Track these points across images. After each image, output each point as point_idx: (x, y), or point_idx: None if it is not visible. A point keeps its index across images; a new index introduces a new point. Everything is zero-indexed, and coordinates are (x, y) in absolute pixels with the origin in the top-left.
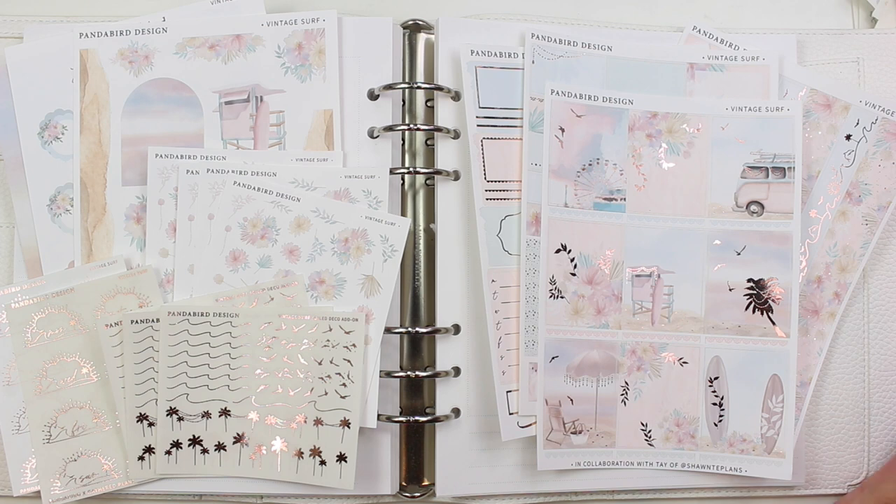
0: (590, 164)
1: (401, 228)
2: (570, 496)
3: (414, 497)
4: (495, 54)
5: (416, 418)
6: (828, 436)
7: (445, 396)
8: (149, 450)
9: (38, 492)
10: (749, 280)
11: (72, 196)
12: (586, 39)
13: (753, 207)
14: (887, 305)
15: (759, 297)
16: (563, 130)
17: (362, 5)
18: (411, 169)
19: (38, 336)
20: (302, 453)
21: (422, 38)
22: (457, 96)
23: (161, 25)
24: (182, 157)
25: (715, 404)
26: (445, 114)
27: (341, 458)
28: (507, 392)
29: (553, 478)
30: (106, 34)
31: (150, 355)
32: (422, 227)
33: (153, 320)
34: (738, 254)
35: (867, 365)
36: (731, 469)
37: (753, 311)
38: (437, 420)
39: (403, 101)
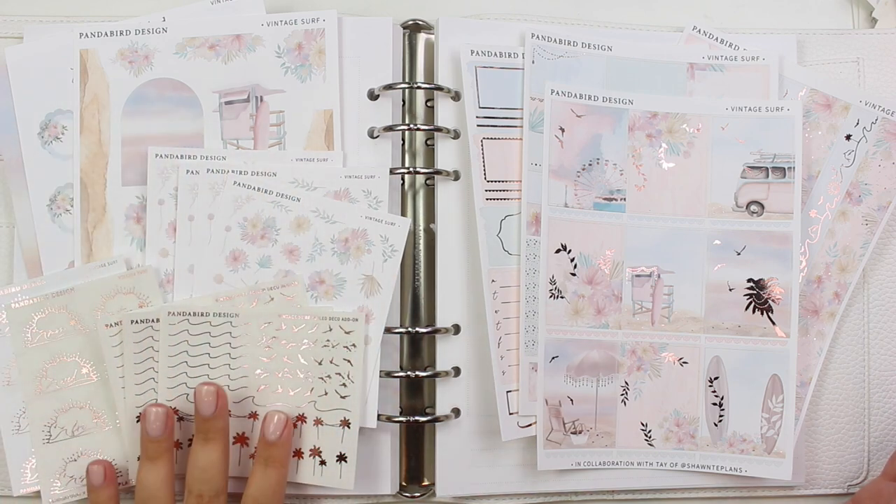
0: (590, 164)
1: (401, 229)
2: (570, 496)
3: (414, 497)
4: (495, 54)
5: (416, 418)
6: (828, 436)
7: (445, 396)
8: None
9: (38, 492)
10: (749, 280)
11: (72, 196)
12: (586, 39)
13: (753, 207)
14: (887, 305)
15: (759, 297)
16: (563, 130)
17: (362, 5)
18: (411, 169)
19: (38, 336)
20: (302, 453)
21: (422, 38)
22: (457, 96)
23: (161, 25)
24: (182, 157)
25: (715, 404)
26: (445, 114)
27: (341, 458)
28: (507, 392)
29: (553, 478)
30: (106, 34)
31: (150, 355)
32: (422, 227)
33: (153, 320)
34: (738, 254)
35: (867, 365)
36: (731, 469)
37: (753, 311)
38: (437, 420)
39: (403, 101)
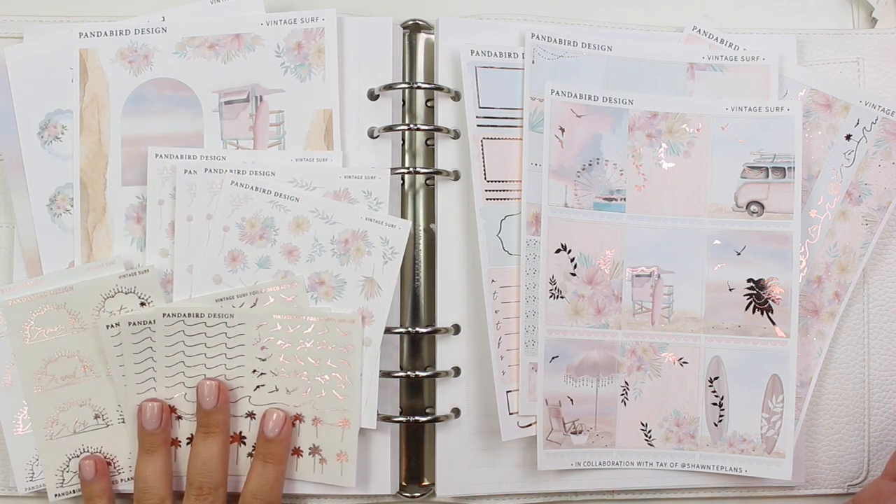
0: (590, 164)
1: (401, 231)
2: (570, 496)
3: (414, 497)
4: (495, 54)
5: (416, 418)
6: (828, 436)
7: (445, 396)
8: None
9: (43, 489)
10: (749, 280)
11: (72, 196)
12: (586, 39)
13: (753, 207)
14: (887, 305)
15: (759, 297)
16: (563, 130)
17: (362, 5)
18: (411, 169)
19: (37, 333)
20: (301, 451)
21: (422, 38)
22: (457, 96)
23: (161, 25)
24: (182, 157)
25: (715, 404)
26: (445, 114)
27: (342, 456)
28: (507, 392)
29: (553, 478)
30: (105, 34)
31: (149, 355)
32: (422, 228)
33: (150, 322)
34: (738, 254)
35: (867, 365)
36: (731, 469)
37: (753, 311)
38: (437, 420)
39: (403, 101)
